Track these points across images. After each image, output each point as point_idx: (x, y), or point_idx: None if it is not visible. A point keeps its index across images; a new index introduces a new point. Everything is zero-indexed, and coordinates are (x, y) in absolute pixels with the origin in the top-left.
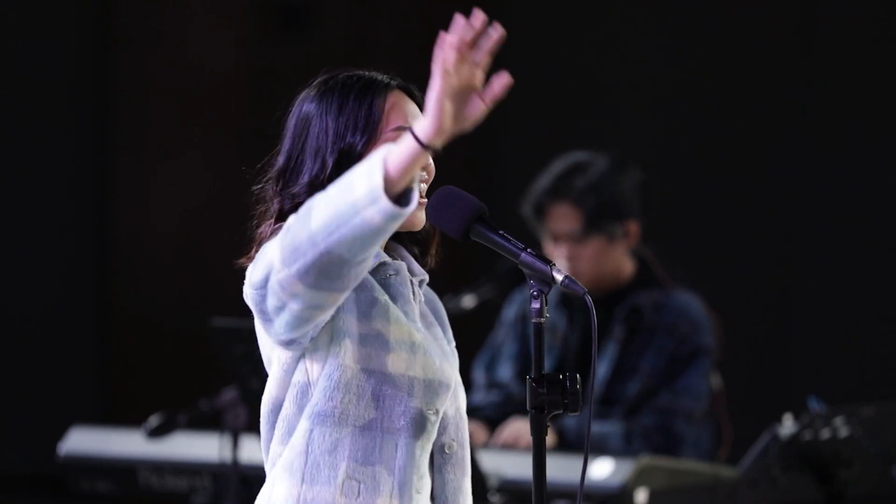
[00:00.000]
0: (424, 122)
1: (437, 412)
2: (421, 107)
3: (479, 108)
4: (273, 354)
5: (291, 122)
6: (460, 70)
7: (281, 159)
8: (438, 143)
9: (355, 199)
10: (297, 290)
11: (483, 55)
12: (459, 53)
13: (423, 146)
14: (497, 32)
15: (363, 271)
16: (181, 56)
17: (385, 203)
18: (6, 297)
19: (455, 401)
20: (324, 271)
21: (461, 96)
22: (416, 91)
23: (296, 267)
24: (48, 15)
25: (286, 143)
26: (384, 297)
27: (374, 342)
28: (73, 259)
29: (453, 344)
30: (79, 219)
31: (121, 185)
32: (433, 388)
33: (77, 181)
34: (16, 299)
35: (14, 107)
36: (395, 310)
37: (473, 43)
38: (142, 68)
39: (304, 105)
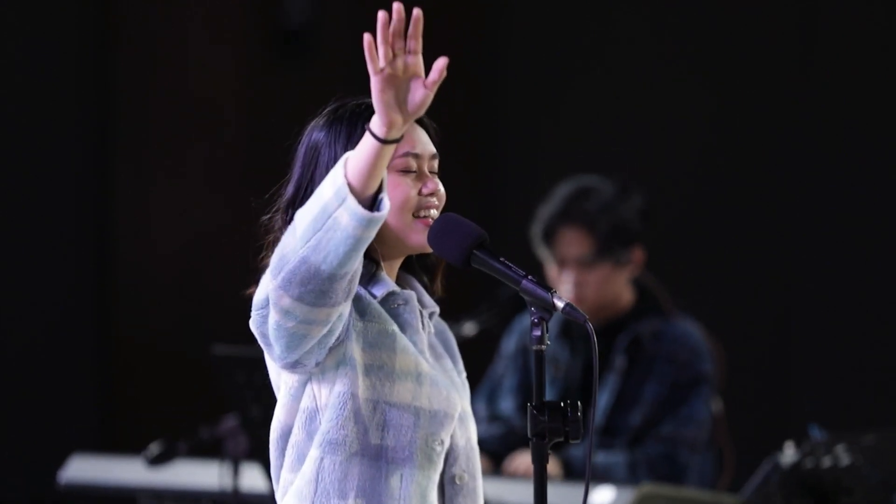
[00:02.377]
0: (375, 118)
1: (442, 443)
2: (430, 133)
3: (422, 94)
4: (280, 380)
5: (301, 151)
6: (394, 63)
7: (290, 188)
8: (395, 134)
9: (325, 202)
10: (286, 305)
11: (413, 42)
12: (386, 47)
13: (381, 140)
14: (418, 16)
15: (351, 287)
16: (181, 81)
17: (352, 202)
18: (7, 323)
19: (465, 431)
20: (305, 282)
21: (400, 86)
22: (425, 118)
23: (280, 276)
24: (50, 42)
25: (296, 172)
26: (392, 327)
27: (378, 372)
28: (73, 285)
29: (464, 375)
30: (80, 245)
31: (121, 212)
32: (438, 418)
33: (78, 207)
34: (16, 326)
35: (15, 132)
36: (402, 339)
37: (401, 33)
38: (142, 93)
39: (314, 134)
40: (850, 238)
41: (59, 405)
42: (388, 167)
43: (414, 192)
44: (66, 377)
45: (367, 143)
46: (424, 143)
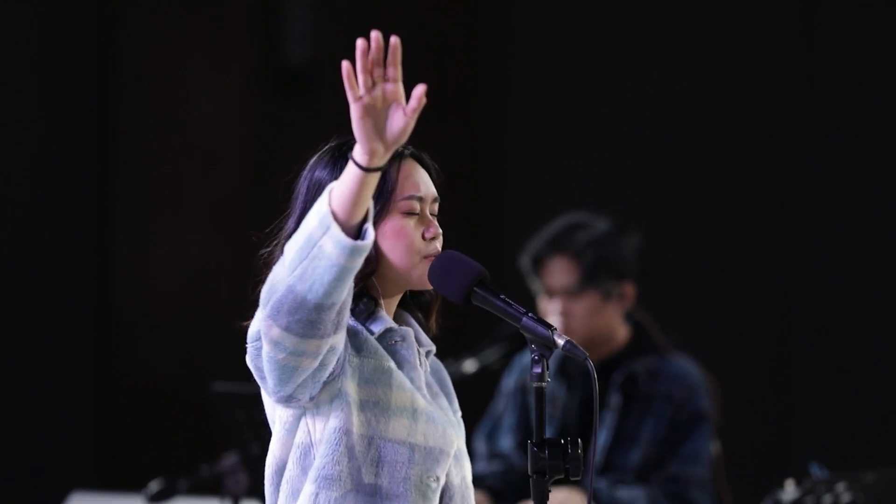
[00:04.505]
0: (357, 147)
1: (437, 479)
2: (431, 175)
3: (402, 122)
4: (275, 415)
5: (303, 187)
6: (372, 91)
7: (291, 223)
8: (377, 162)
9: (311, 231)
10: (275, 335)
11: (392, 70)
12: (365, 75)
13: (364, 169)
14: (396, 44)
15: (340, 320)
16: (182, 119)
17: (336, 231)
18: (7, 361)
19: (461, 470)
20: (292, 312)
21: (379, 114)
22: (428, 159)
23: (269, 306)
24: (51, 81)
25: (297, 207)
26: (389, 364)
27: (373, 408)
28: (74, 322)
29: (459, 414)
30: (80, 283)
31: (122, 250)
32: (434, 455)
33: (78, 246)
34: (17, 363)
35: (16, 169)
36: (398, 375)
37: (380, 61)
38: (143, 130)
39: (316, 171)
40: (850, 274)
41: (59, 442)
42: (392, 209)
43: (418, 236)
44: (66, 414)
45: (350, 172)
46: (428, 186)
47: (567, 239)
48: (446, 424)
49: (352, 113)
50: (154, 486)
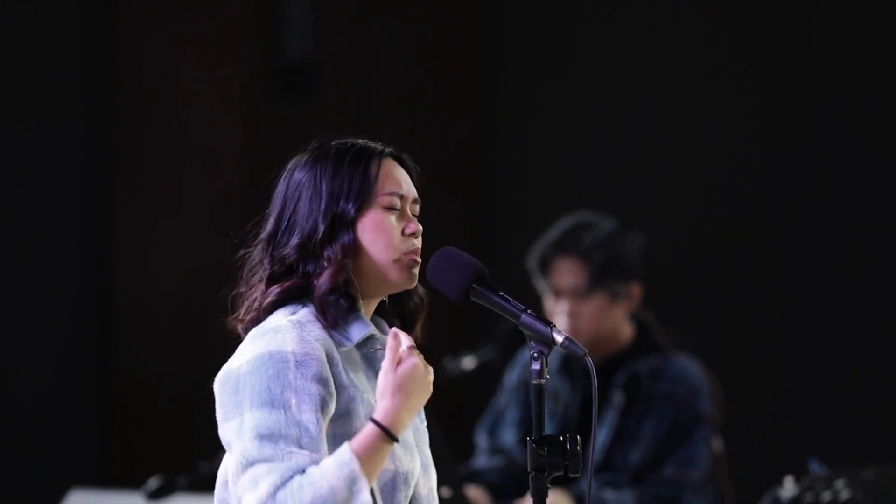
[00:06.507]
0: (391, 419)
1: (406, 496)
2: (411, 175)
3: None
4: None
5: (282, 187)
6: (421, 365)
7: (271, 223)
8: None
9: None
10: None
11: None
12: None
13: (395, 440)
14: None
15: None
16: (181, 118)
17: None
18: (6, 358)
19: (428, 481)
20: None
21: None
22: (408, 159)
23: None
24: (50, 81)
25: (276, 207)
26: (357, 393)
27: (342, 441)
28: (74, 321)
29: (425, 424)
30: (80, 282)
31: (121, 250)
32: (403, 477)
33: (78, 246)
34: (16, 361)
35: (16, 169)
36: (368, 403)
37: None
38: (142, 130)
39: (297, 171)
40: (850, 274)
41: (58, 440)
42: (373, 203)
43: (398, 232)
44: (66, 411)
45: (381, 448)
46: (409, 185)
47: (574, 239)
48: (412, 447)
49: (393, 385)
50: (153, 482)
